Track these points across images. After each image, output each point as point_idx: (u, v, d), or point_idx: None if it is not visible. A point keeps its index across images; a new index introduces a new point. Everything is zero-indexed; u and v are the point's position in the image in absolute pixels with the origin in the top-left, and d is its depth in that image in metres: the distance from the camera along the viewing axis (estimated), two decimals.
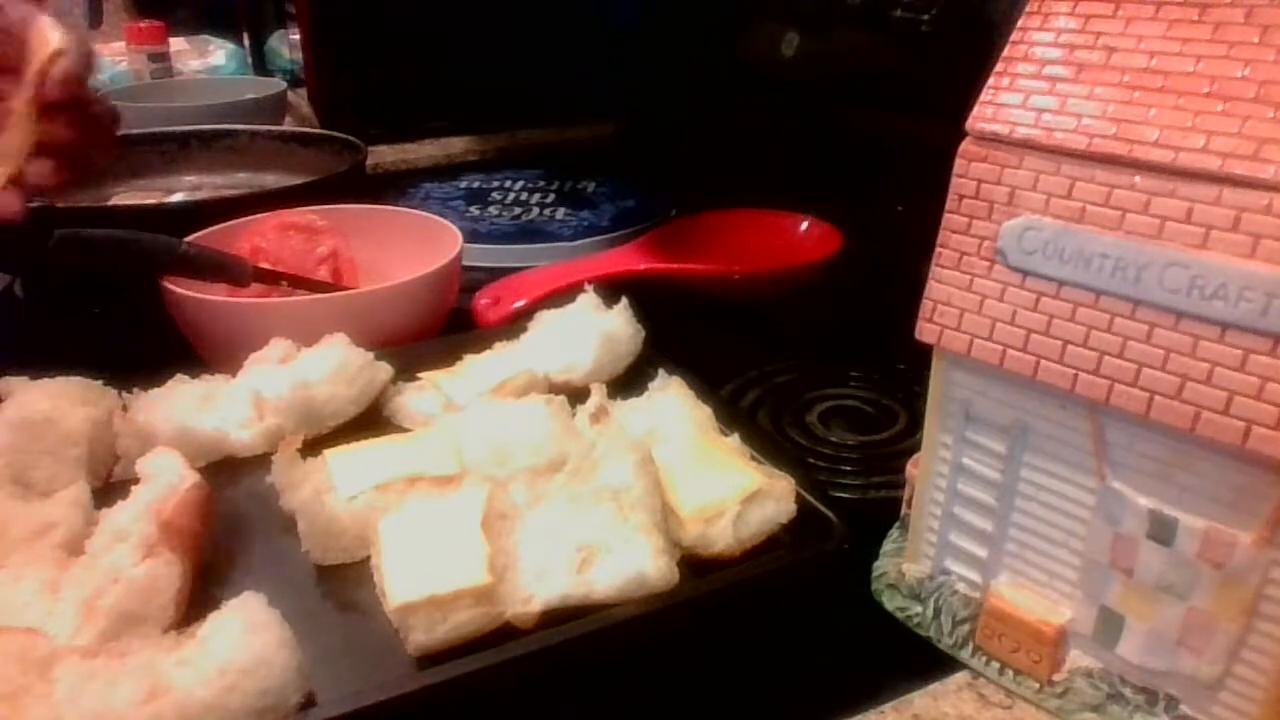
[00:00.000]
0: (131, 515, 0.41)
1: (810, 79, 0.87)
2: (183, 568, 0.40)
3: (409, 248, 0.73)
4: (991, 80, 0.36)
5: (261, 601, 0.37)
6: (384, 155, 1.15)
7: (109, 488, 0.48)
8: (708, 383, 0.56)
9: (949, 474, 0.40)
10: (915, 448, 0.42)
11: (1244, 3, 0.32)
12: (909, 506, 0.43)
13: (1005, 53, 0.37)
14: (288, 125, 1.21)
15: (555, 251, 0.85)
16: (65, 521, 0.43)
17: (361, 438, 0.51)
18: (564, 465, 0.45)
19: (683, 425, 0.50)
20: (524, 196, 0.99)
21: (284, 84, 1.29)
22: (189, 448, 0.50)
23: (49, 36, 0.51)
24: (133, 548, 0.39)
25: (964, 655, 0.40)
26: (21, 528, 0.42)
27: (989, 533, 0.39)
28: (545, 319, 0.61)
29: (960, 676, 0.40)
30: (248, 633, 0.35)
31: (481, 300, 0.72)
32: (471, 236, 0.77)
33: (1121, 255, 0.32)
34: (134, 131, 1.02)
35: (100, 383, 0.51)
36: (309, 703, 0.36)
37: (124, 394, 0.52)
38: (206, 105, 1.15)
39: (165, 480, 0.42)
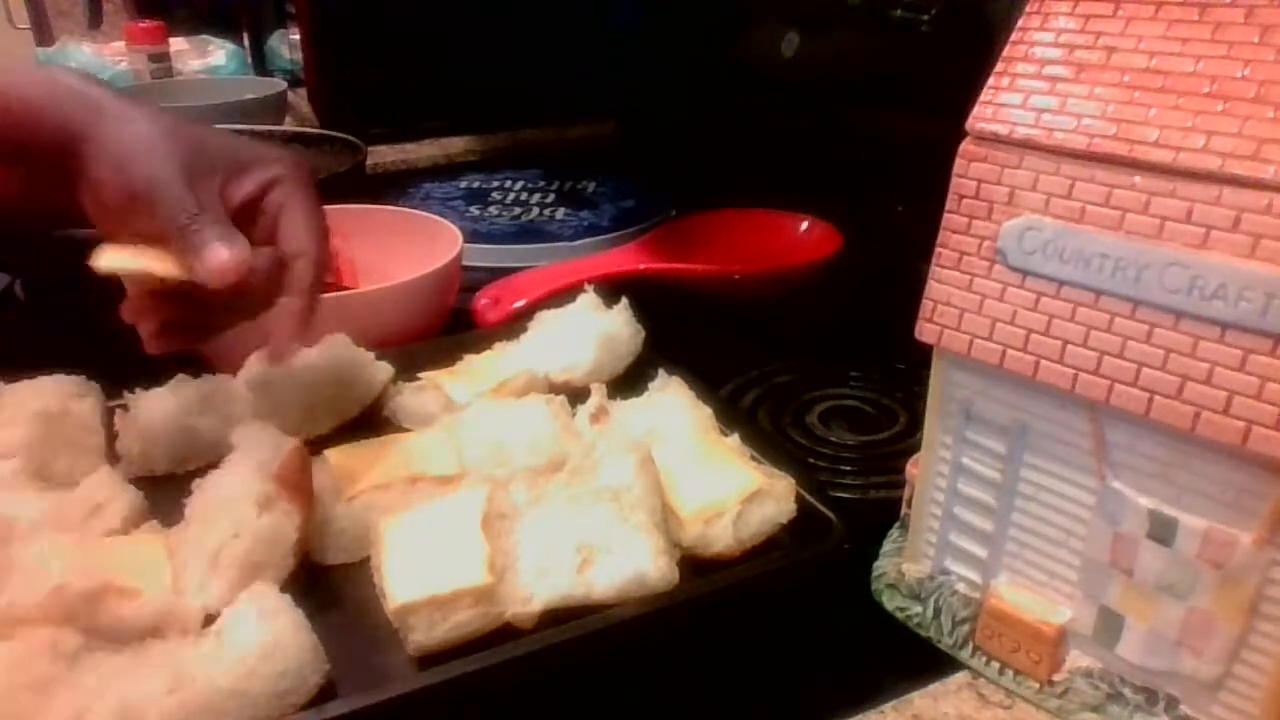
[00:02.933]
0: (239, 477, 0.43)
1: (810, 79, 0.87)
2: (299, 519, 0.42)
3: (409, 248, 0.73)
4: (991, 80, 0.36)
5: (272, 590, 0.38)
6: (384, 155, 1.15)
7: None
8: (708, 383, 0.56)
9: (949, 474, 0.40)
10: (915, 448, 0.42)
11: (1244, 3, 0.32)
12: (909, 506, 0.43)
13: (1005, 53, 0.37)
14: (288, 125, 1.20)
15: (555, 251, 0.85)
16: (117, 498, 0.45)
17: (361, 438, 0.51)
18: (564, 465, 0.45)
19: (683, 425, 0.50)
20: (524, 196, 0.99)
21: (284, 84, 1.29)
22: (189, 448, 0.50)
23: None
24: (251, 503, 0.41)
25: (964, 655, 0.40)
26: (73, 511, 0.43)
27: (989, 533, 0.39)
28: (545, 319, 0.61)
29: (960, 676, 0.40)
30: (261, 620, 0.36)
31: (481, 300, 0.72)
32: (471, 236, 0.77)
33: (1121, 255, 0.32)
34: None
35: (83, 378, 0.51)
36: (330, 684, 0.37)
37: (125, 394, 0.52)
38: (206, 105, 1.15)
39: (268, 442, 0.45)
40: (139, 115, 0.45)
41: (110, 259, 0.44)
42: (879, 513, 0.47)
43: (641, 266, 0.77)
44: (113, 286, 0.45)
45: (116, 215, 0.44)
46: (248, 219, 0.46)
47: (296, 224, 0.46)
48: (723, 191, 0.89)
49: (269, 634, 0.36)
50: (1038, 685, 0.38)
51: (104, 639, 0.37)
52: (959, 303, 0.37)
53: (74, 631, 0.36)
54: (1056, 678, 0.38)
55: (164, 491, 0.47)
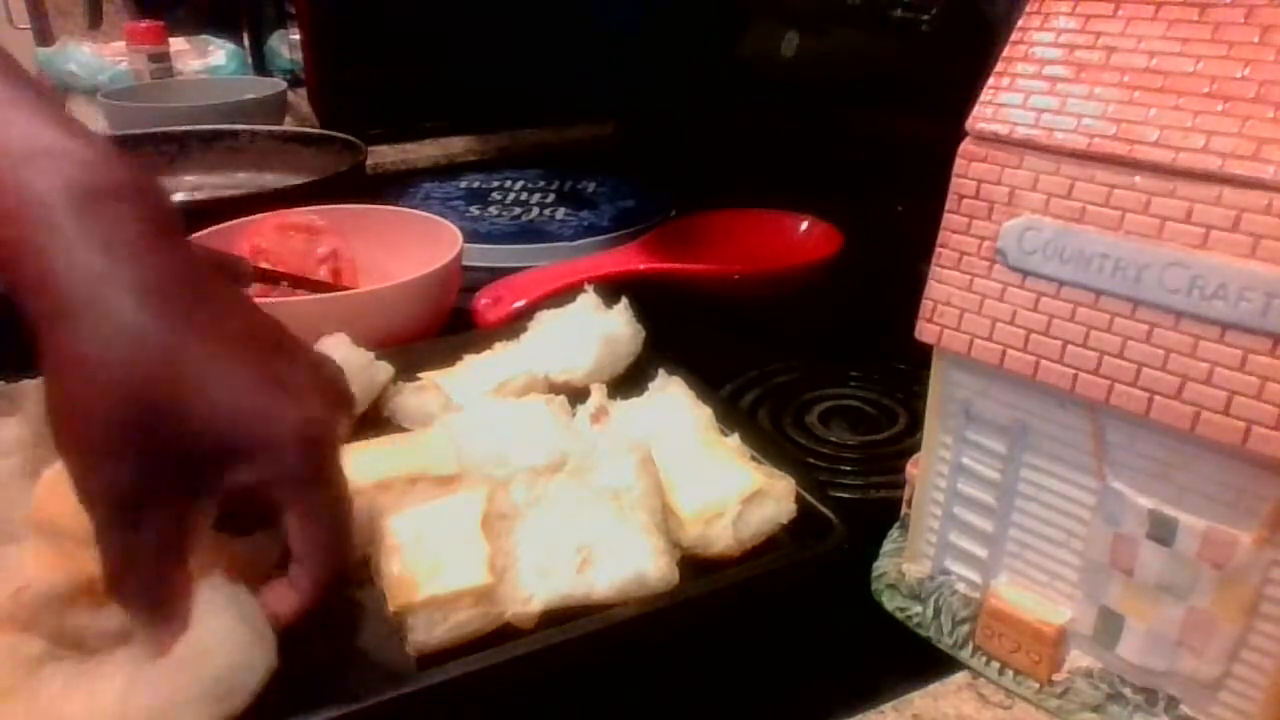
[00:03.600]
0: None
1: (810, 79, 0.87)
2: None
3: (409, 248, 0.73)
4: (991, 80, 0.36)
5: (214, 586, 0.36)
6: (384, 155, 1.15)
7: None
8: (708, 383, 0.56)
9: (949, 474, 0.40)
10: (915, 448, 0.42)
11: (1244, 3, 0.32)
12: (909, 506, 0.43)
13: (1005, 53, 0.37)
14: (288, 125, 1.21)
15: (555, 251, 0.85)
16: None
17: (361, 438, 0.51)
18: (564, 465, 0.45)
19: (683, 425, 0.50)
20: (524, 196, 0.99)
21: (284, 84, 1.29)
22: None
23: None
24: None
25: (964, 655, 0.40)
26: (74, 511, 0.43)
27: (989, 533, 0.39)
28: (545, 319, 0.61)
29: (960, 676, 0.40)
30: (201, 619, 0.35)
31: (481, 300, 0.72)
32: (471, 236, 0.77)
33: (1121, 255, 0.32)
34: (134, 131, 1.02)
35: None
36: (331, 684, 0.36)
37: None
38: (206, 105, 1.15)
39: None
40: (107, 326, 0.31)
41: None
42: (879, 513, 0.47)
43: (641, 266, 0.77)
44: None
45: None
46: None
47: (296, 531, 0.36)
48: (723, 191, 0.89)
49: (198, 639, 0.34)
50: (1038, 685, 0.38)
51: (72, 646, 0.36)
52: (959, 303, 0.37)
53: (36, 638, 0.35)
54: (1056, 678, 0.38)
55: None
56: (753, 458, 0.48)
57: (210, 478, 0.34)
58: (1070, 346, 0.34)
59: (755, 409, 0.63)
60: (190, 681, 0.34)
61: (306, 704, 0.36)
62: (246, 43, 1.54)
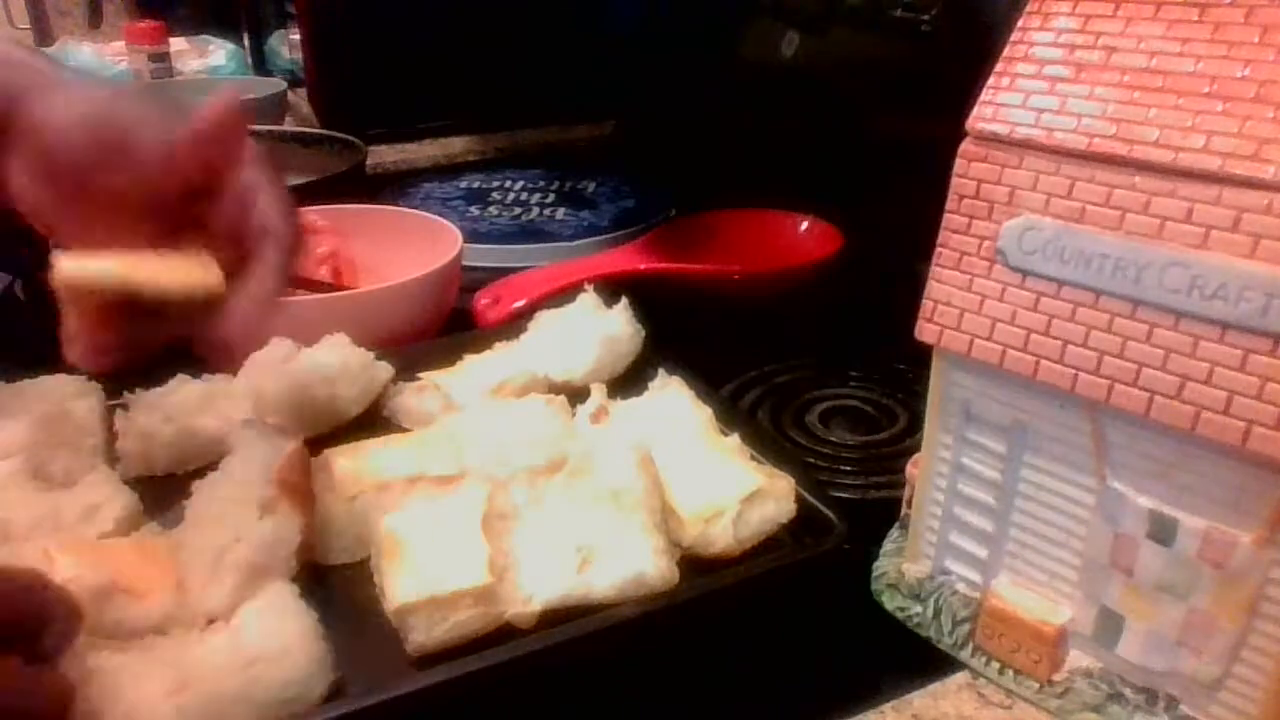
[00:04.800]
0: (240, 480, 0.42)
1: (810, 79, 0.87)
2: (301, 521, 0.42)
3: (409, 248, 0.73)
4: (991, 80, 0.37)
5: (289, 592, 0.38)
6: (384, 155, 1.15)
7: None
8: (708, 383, 0.56)
9: (949, 474, 0.40)
10: (915, 448, 0.42)
11: (1244, 3, 0.32)
12: (909, 506, 0.43)
13: (1005, 53, 0.37)
14: (288, 125, 1.20)
15: (555, 251, 0.85)
16: (112, 500, 0.44)
17: (361, 438, 0.51)
18: (564, 465, 0.45)
19: (683, 425, 0.50)
20: (524, 196, 0.99)
21: (284, 84, 1.29)
22: (189, 448, 0.50)
23: None
24: (253, 506, 0.41)
25: (964, 655, 0.40)
26: (68, 513, 0.43)
27: (989, 533, 0.39)
28: (545, 319, 0.61)
29: (960, 676, 0.40)
30: (273, 625, 0.36)
31: (481, 300, 0.72)
32: (471, 236, 0.77)
33: (1121, 255, 0.32)
34: None
35: (84, 378, 0.51)
36: (337, 692, 0.36)
37: (125, 394, 0.52)
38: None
39: (269, 444, 0.44)
40: (77, 83, 0.42)
41: (74, 266, 0.39)
42: (879, 513, 0.47)
43: (641, 266, 0.77)
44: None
45: (71, 187, 0.41)
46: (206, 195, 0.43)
47: (265, 202, 0.43)
48: (723, 191, 0.89)
49: (279, 640, 0.35)
50: (1038, 685, 0.38)
51: (107, 638, 0.36)
52: (959, 303, 0.37)
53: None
54: (1056, 678, 0.38)
55: (163, 492, 0.47)
56: (753, 458, 0.48)
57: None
58: (1070, 346, 0.34)
59: (755, 409, 0.63)
60: (258, 681, 0.34)
61: (334, 693, 0.36)
62: (246, 42, 1.53)
